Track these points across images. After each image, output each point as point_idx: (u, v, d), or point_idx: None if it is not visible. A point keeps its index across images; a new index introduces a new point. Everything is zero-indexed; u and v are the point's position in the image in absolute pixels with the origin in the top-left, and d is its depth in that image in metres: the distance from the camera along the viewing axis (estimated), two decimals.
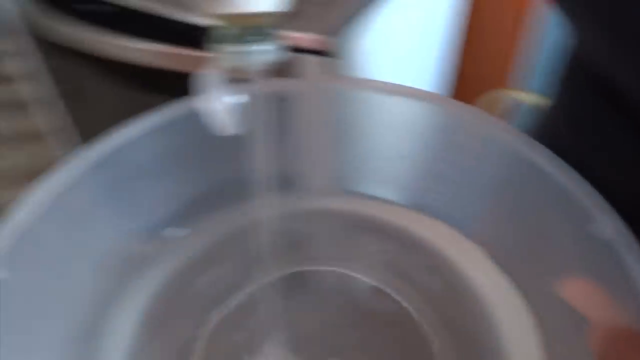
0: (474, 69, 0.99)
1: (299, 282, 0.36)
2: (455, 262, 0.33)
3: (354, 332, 0.33)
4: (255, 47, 0.24)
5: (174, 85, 0.40)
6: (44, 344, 0.29)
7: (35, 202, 0.28)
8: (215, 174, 0.36)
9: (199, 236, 0.36)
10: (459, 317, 0.32)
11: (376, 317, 0.34)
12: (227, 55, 0.24)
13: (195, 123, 0.28)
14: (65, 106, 0.82)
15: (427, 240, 0.34)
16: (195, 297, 0.35)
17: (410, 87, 0.32)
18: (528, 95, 0.90)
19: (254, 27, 0.24)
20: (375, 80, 0.33)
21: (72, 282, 0.31)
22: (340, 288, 0.36)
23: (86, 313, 0.31)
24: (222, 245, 0.38)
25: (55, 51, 0.73)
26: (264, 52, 0.24)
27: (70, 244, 0.31)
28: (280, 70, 0.48)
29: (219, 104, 0.27)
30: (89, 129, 0.81)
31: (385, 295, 0.34)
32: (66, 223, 0.30)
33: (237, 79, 0.26)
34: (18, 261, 0.26)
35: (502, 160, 0.30)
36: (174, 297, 0.34)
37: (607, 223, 0.22)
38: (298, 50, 0.54)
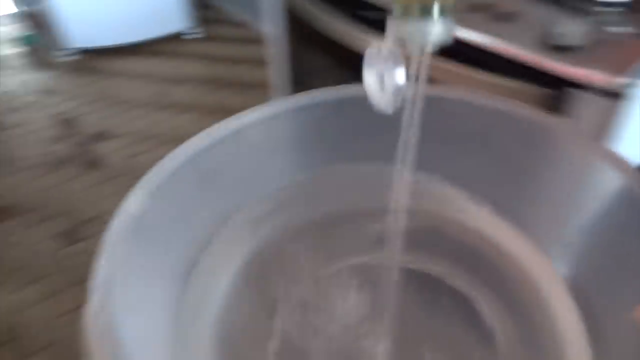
0: None
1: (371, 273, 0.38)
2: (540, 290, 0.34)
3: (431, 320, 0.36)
4: (425, 25, 0.26)
5: None
6: (161, 270, 0.34)
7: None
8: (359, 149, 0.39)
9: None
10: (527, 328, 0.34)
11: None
12: (398, 27, 0.26)
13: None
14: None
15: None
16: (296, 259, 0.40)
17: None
18: None
19: (427, 6, 0.25)
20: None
21: (194, 227, 0.37)
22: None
23: (195, 256, 0.37)
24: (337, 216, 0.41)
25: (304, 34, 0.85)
26: (434, 31, 0.26)
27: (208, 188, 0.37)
28: (558, 106, 0.51)
29: (388, 81, 0.28)
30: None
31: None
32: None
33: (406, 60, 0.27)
34: (163, 195, 0.32)
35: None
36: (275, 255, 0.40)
37: None
38: (579, 86, 0.51)
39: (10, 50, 1.91)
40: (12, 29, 1.99)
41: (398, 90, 0.28)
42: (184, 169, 0.34)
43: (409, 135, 0.30)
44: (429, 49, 0.27)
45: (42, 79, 1.76)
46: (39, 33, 1.88)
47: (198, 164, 0.36)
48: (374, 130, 0.35)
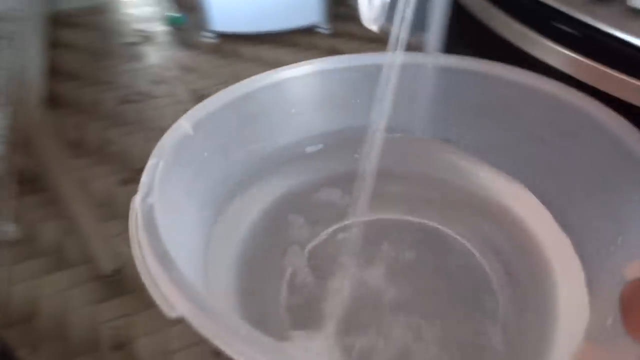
0: None
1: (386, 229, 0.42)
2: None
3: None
4: None
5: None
6: (201, 191, 0.39)
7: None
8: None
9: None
10: (521, 269, 0.36)
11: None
12: None
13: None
14: None
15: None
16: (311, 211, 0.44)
17: None
18: None
19: None
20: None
21: (232, 163, 0.42)
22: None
23: (221, 200, 0.41)
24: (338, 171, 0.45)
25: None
26: None
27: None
28: None
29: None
30: None
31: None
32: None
33: None
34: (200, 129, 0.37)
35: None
36: (292, 204, 0.44)
37: None
38: None
39: (158, 28, 2.06)
40: (161, 9, 2.16)
41: (383, 7, 0.32)
42: (226, 109, 0.39)
43: (386, 92, 0.33)
44: None
45: (184, 57, 1.90)
46: (185, 15, 2.03)
47: (238, 107, 0.40)
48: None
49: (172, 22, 2.06)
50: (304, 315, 0.38)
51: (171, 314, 0.22)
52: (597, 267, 0.30)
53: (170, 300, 0.23)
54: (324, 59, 0.42)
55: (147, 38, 1.93)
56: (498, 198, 0.40)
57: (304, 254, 0.43)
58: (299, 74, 0.41)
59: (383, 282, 0.38)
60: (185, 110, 0.39)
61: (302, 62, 0.42)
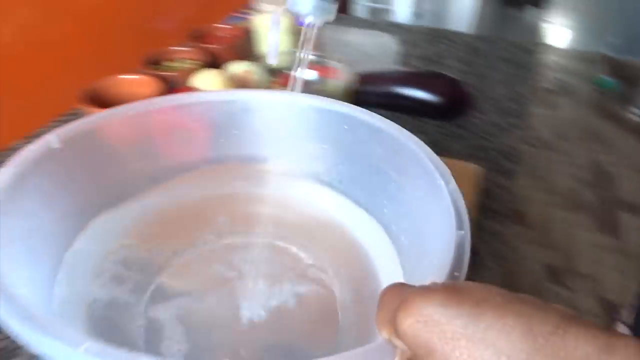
0: None
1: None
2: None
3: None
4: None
5: None
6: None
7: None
8: None
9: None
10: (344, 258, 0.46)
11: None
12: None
13: None
14: None
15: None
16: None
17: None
18: None
19: None
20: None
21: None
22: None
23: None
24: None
25: None
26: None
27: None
28: None
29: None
30: None
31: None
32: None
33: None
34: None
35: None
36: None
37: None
38: None
39: (581, 83, 1.55)
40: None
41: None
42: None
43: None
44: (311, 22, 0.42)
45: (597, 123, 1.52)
46: (618, 83, 1.51)
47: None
48: None
49: (601, 84, 1.60)
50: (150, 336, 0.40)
51: None
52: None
53: None
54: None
55: (565, 89, 1.67)
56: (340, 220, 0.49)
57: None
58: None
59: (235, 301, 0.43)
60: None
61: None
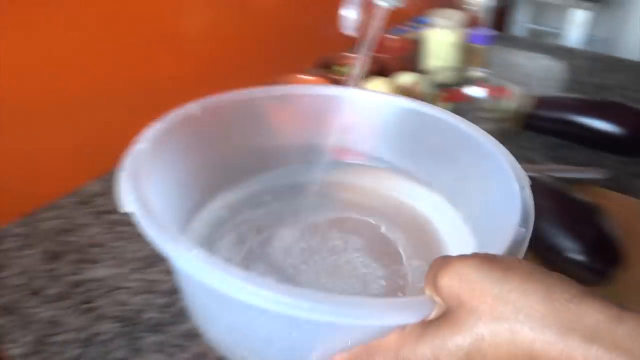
0: None
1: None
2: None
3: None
4: None
5: None
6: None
7: None
8: None
9: None
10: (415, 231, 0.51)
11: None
12: None
13: None
14: None
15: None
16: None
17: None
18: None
19: None
20: None
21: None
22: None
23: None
24: None
25: None
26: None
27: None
28: None
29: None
30: None
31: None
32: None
33: None
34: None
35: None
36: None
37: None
38: None
39: None
40: None
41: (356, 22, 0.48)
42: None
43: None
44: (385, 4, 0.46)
45: None
46: None
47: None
48: None
49: None
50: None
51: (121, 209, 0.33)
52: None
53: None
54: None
55: None
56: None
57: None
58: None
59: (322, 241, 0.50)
60: None
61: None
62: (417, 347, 0.23)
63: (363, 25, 0.47)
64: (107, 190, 0.75)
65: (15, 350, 0.52)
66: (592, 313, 0.19)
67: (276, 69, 0.87)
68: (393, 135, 0.53)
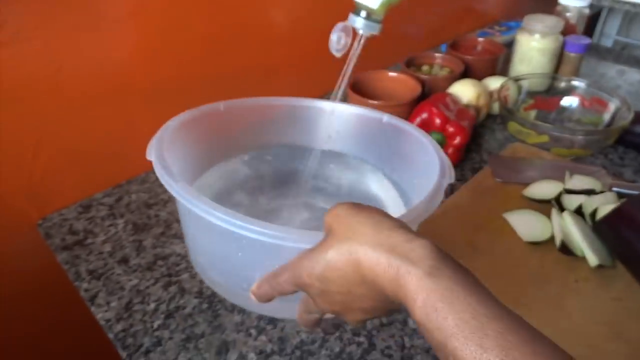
0: None
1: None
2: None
3: None
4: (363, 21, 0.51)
5: None
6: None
7: None
8: None
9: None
10: None
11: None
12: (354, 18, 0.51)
13: None
14: None
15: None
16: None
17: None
18: None
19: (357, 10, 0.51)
20: None
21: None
22: None
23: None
24: None
25: None
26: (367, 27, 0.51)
27: None
28: None
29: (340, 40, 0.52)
30: None
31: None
32: None
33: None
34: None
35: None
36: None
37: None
38: None
39: None
40: None
41: (345, 44, 0.52)
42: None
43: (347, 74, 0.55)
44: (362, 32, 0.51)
45: None
46: None
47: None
48: None
49: None
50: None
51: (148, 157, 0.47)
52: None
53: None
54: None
55: None
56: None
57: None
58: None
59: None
60: None
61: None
62: (303, 261, 0.33)
63: (348, 48, 0.52)
64: None
65: (102, 315, 0.54)
66: (396, 236, 0.30)
67: (365, 64, 0.86)
68: (364, 138, 0.64)
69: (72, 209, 0.69)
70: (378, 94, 0.82)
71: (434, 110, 0.74)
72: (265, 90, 0.88)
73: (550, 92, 0.90)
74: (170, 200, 0.70)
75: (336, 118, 0.62)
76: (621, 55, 1.25)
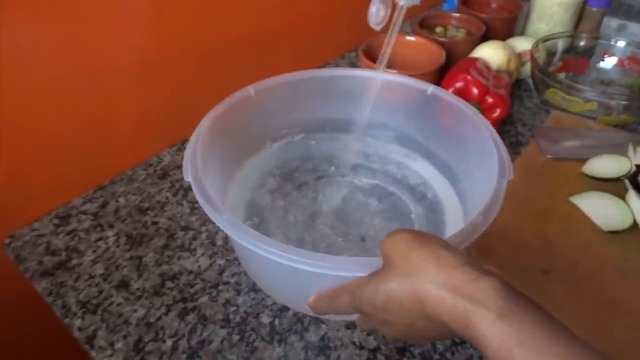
0: None
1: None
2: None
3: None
4: None
5: None
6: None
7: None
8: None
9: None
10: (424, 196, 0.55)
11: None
12: None
13: None
14: None
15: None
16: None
17: None
18: None
19: None
20: None
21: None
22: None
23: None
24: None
25: None
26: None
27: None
28: None
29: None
30: None
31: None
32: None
33: None
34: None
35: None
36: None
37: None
38: None
39: None
40: None
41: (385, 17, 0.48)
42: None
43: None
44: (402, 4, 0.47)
45: None
46: None
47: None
48: None
49: None
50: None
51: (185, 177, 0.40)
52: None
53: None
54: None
55: None
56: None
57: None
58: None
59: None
60: None
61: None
62: (363, 289, 0.32)
63: (387, 21, 0.48)
64: (181, 162, 0.64)
65: None
66: (460, 275, 0.28)
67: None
68: (413, 114, 0.57)
69: (46, 221, 0.55)
70: (397, 61, 0.71)
71: (469, 78, 0.64)
72: (264, 63, 0.76)
73: (576, 52, 0.81)
74: (168, 202, 0.58)
75: (376, 90, 0.54)
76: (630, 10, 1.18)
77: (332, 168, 0.59)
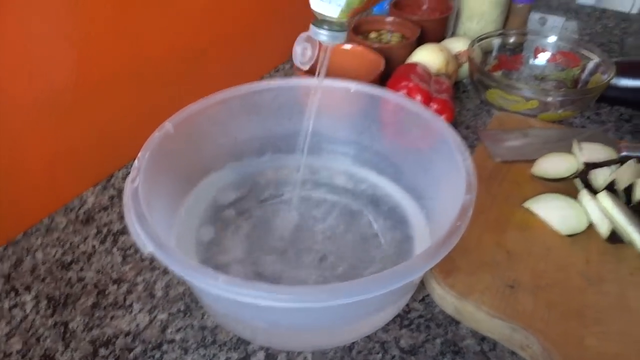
0: None
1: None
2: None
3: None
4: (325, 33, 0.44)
5: None
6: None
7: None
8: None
9: None
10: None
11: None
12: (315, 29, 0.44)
13: None
14: None
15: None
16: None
17: None
18: None
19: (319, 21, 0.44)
20: None
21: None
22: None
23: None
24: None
25: None
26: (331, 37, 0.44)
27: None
28: None
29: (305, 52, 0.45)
30: None
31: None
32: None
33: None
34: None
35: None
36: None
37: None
38: None
39: None
40: None
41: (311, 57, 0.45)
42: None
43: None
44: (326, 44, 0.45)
45: None
46: None
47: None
48: None
49: None
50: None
51: (144, 250, 0.34)
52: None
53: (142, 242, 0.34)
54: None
55: None
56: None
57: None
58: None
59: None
60: None
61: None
62: None
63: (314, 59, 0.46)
64: (107, 203, 0.57)
65: None
66: None
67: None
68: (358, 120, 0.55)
69: None
70: (334, 70, 0.68)
71: (411, 85, 0.62)
72: (195, 81, 0.70)
73: (507, 49, 0.81)
74: (95, 252, 0.51)
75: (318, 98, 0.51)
76: (563, 4, 1.21)
77: (280, 189, 0.56)
